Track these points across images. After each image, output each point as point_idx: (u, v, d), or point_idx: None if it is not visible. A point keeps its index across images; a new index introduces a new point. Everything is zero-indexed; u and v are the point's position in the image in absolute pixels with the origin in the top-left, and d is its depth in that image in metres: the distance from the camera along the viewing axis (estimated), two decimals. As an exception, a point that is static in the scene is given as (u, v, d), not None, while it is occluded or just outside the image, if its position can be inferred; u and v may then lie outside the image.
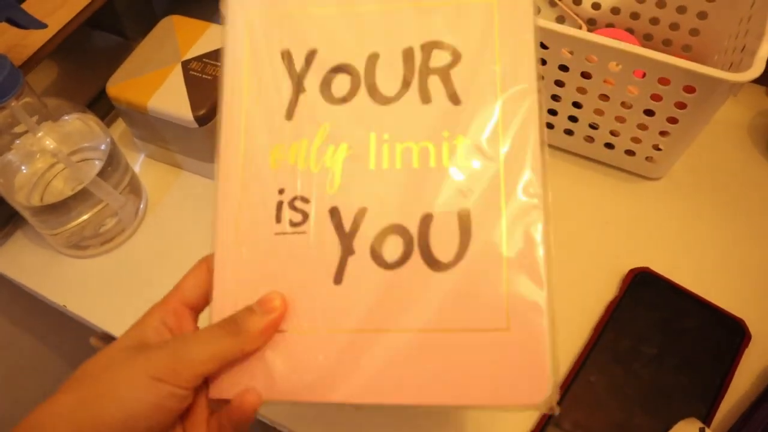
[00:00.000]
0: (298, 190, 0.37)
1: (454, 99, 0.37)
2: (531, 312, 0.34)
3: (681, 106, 0.51)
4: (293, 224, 0.36)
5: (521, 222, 0.35)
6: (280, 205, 0.36)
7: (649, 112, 0.53)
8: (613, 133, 0.58)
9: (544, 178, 0.36)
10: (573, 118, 0.58)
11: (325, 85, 0.38)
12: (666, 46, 0.64)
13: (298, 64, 0.38)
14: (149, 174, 0.64)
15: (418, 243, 0.35)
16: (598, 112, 0.56)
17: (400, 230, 0.35)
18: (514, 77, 0.36)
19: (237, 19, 0.39)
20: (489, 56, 0.37)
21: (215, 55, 0.59)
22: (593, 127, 0.58)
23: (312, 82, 0.38)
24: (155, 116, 0.57)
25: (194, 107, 0.56)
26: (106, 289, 0.58)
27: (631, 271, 0.54)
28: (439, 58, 0.38)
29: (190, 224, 0.61)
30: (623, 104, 0.54)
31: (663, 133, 0.55)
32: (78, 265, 0.59)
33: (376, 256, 0.35)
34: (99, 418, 0.30)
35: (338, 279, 0.35)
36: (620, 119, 0.56)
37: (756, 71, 0.46)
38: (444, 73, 0.37)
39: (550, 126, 0.60)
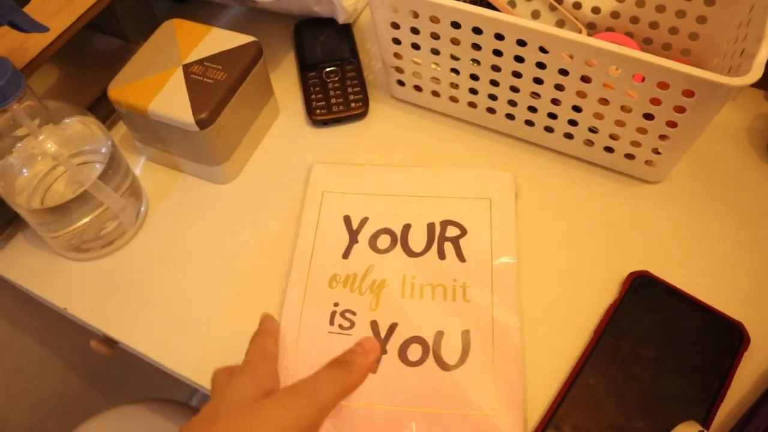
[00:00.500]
0: (348, 305, 0.53)
1: (461, 258, 0.55)
2: (511, 405, 0.48)
3: (680, 110, 0.51)
4: (342, 327, 0.52)
5: (505, 343, 0.51)
6: (333, 313, 0.53)
7: (648, 116, 0.54)
8: (612, 137, 0.58)
9: (520, 314, 0.53)
10: (573, 122, 0.58)
11: (373, 240, 0.57)
12: (665, 50, 0.64)
13: (355, 224, 0.58)
14: (150, 177, 0.64)
15: (432, 350, 0.51)
16: (598, 116, 0.56)
17: (420, 340, 0.51)
18: (501, 250, 0.55)
19: (315, 190, 0.60)
20: (486, 234, 0.56)
21: (216, 59, 0.59)
22: (593, 131, 0.58)
23: (363, 237, 0.57)
24: (156, 119, 0.57)
25: (195, 110, 0.56)
26: (106, 291, 0.58)
27: (631, 274, 0.55)
28: (452, 231, 0.57)
29: (191, 227, 0.61)
30: (623, 108, 0.54)
31: (662, 137, 0.55)
32: (79, 267, 0.59)
33: (403, 357, 0.50)
34: None
35: (374, 370, 0.50)
36: (620, 123, 0.56)
37: (755, 75, 0.47)
38: (455, 242, 0.56)
39: (549, 130, 0.61)
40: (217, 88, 0.57)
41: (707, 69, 0.49)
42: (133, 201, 0.60)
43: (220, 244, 0.60)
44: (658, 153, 0.57)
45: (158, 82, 0.58)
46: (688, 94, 0.50)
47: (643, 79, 0.51)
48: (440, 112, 0.66)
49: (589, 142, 0.60)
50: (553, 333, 0.53)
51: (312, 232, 0.58)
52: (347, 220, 0.58)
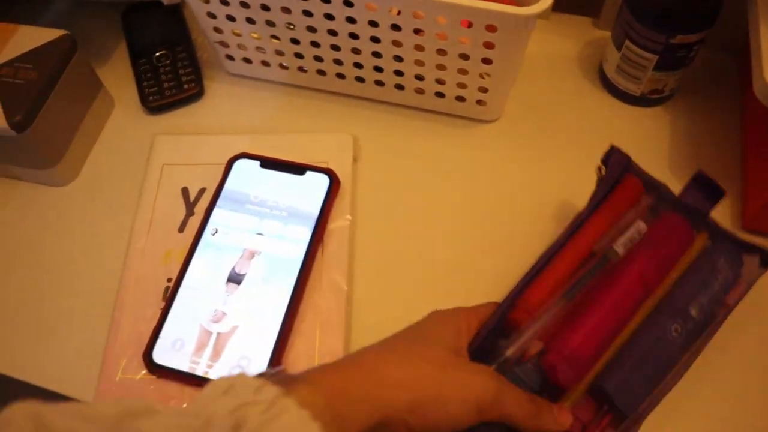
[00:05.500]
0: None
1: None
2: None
3: (489, 45, 0.52)
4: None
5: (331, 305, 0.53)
6: (166, 289, 0.53)
7: (464, 57, 0.54)
8: (439, 82, 0.58)
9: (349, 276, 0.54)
10: (399, 72, 0.59)
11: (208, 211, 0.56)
12: (488, -10, 0.65)
13: (192, 196, 0.58)
14: (-13, 191, 0.62)
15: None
16: (419, 62, 0.56)
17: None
18: (335, 212, 0.56)
19: (155, 164, 0.60)
20: None
21: (27, 58, 0.57)
22: (419, 78, 0.59)
23: (200, 209, 0.57)
24: (-30, 130, 0.55)
25: (8, 114, 0.54)
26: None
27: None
28: None
29: (33, 234, 0.59)
30: (439, 52, 0.55)
31: (483, 76, 0.56)
32: None
33: None
34: (417, 417, 0.35)
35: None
36: (441, 67, 0.56)
37: (544, 3, 0.48)
38: None
39: (380, 83, 0.61)
40: (30, 88, 0.55)
41: (526, 4, 0.49)
42: (-34, 217, 0.57)
43: (65, 247, 0.58)
44: (485, 91, 0.58)
45: (-32, 90, 0.56)
46: (491, 29, 0.51)
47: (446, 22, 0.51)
48: (276, 81, 0.65)
49: (420, 90, 0.60)
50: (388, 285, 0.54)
51: (149, 209, 0.57)
52: (185, 192, 0.58)
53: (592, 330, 0.42)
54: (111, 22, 0.71)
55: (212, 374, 0.49)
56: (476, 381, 0.37)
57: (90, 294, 0.55)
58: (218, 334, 0.50)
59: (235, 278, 0.52)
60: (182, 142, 0.61)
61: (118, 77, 0.67)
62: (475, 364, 0.39)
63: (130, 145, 0.63)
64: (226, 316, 0.51)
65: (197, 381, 0.49)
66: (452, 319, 0.41)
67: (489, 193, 0.58)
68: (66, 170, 0.61)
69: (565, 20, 0.68)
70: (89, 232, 0.58)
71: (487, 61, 0.54)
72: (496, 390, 0.37)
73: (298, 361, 0.50)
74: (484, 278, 0.53)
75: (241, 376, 0.32)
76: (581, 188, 0.57)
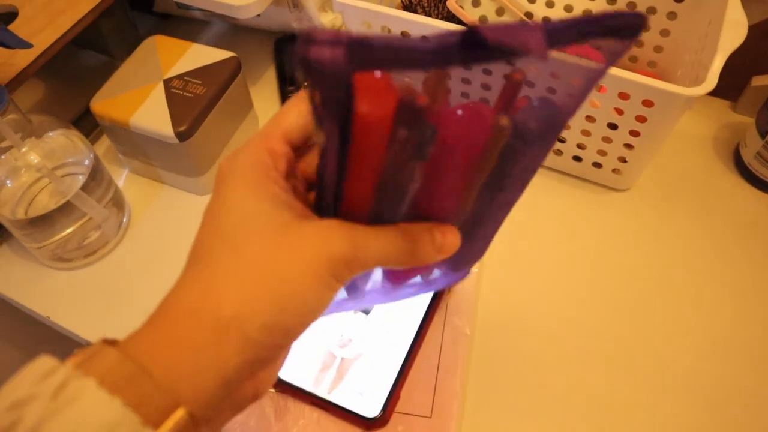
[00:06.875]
0: None
1: None
2: (448, 410, 0.51)
3: (641, 119, 0.53)
4: None
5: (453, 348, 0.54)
6: None
7: (612, 126, 0.56)
8: (580, 147, 0.60)
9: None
10: (541, 132, 0.60)
11: None
12: (632, 62, 0.66)
13: None
14: (133, 188, 0.66)
15: None
16: (565, 126, 0.58)
17: None
18: None
19: None
20: None
21: (196, 74, 0.61)
22: (561, 140, 0.60)
23: None
24: (137, 132, 0.59)
25: (175, 123, 0.58)
26: (89, 300, 0.59)
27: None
28: None
29: (172, 237, 0.62)
30: (588, 118, 0.56)
31: (627, 146, 0.57)
32: (62, 277, 0.61)
33: None
34: (287, 325, 0.27)
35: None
36: (586, 133, 0.58)
37: (708, 86, 0.49)
38: None
39: (520, 140, 0.62)
40: (197, 102, 0.59)
41: (672, 80, 0.51)
42: (115, 212, 0.61)
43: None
44: (624, 161, 0.59)
45: (140, 96, 0.60)
46: (648, 104, 0.52)
47: (606, 91, 0.53)
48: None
49: (558, 152, 0.62)
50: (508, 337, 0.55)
51: None
52: None
53: None
54: (263, 48, 0.76)
55: (332, 397, 0.51)
56: (318, 242, 0.27)
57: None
58: (342, 359, 0.52)
59: (365, 308, 0.54)
60: None
61: (263, 99, 0.71)
62: (311, 221, 0.28)
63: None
64: (352, 342, 0.53)
65: (317, 401, 0.51)
66: (247, 176, 0.29)
67: (608, 258, 0.59)
68: (210, 181, 0.64)
69: (703, 100, 0.69)
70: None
71: (635, 133, 0.55)
72: (348, 239, 0.28)
73: (415, 397, 0.51)
74: (602, 334, 0.53)
75: (40, 359, 0.25)
76: (701, 271, 0.58)
